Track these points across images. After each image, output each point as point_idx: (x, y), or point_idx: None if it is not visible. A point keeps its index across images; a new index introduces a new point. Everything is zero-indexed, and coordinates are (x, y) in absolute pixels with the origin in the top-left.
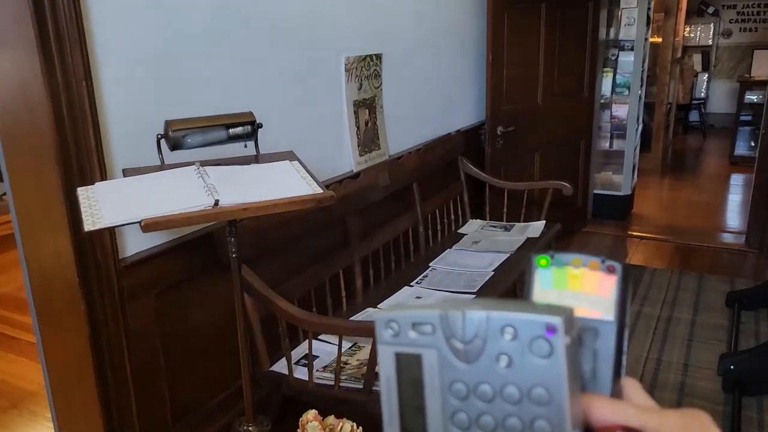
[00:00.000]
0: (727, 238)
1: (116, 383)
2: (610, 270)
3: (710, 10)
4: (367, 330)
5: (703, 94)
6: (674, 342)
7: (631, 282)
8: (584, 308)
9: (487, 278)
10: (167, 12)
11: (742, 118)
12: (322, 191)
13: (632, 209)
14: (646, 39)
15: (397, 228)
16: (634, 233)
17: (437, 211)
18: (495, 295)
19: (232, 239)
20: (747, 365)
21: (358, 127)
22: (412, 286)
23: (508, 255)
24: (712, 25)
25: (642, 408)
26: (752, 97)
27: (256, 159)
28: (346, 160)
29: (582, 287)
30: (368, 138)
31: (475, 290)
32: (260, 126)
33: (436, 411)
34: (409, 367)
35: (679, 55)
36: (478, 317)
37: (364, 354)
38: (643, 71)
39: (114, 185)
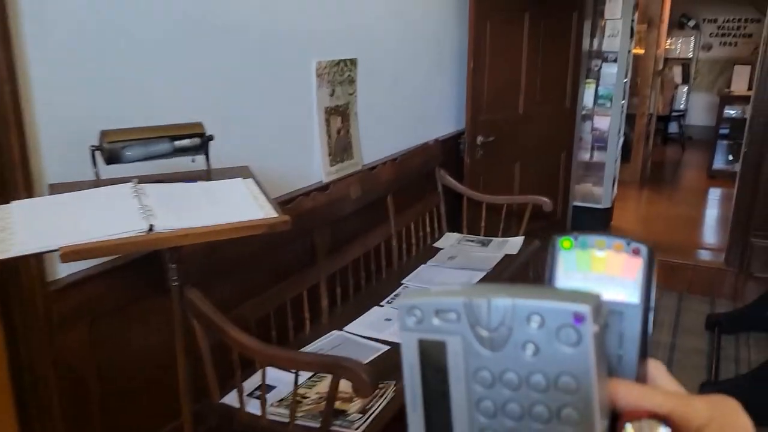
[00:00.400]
0: (707, 255)
1: (42, 422)
2: (636, 252)
3: (691, 23)
4: (325, 365)
5: (682, 106)
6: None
7: (655, 264)
8: (609, 291)
9: None
10: (109, 7)
11: (721, 131)
12: (276, 215)
13: (611, 222)
14: (629, 51)
15: (369, 243)
16: None
17: (412, 224)
18: None
19: (173, 266)
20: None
21: (329, 136)
22: (382, 306)
23: (485, 273)
24: (692, 38)
25: (669, 394)
26: (731, 111)
27: (207, 175)
28: (316, 170)
29: (607, 270)
30: (340, 147)
31: None
32: (211, 138)
33: (461, 398)
34: (434, 354)
35: (660, 66)
36: (504, 305)
37: (324, 386)
38: (625, 83)
39: (35, 204)
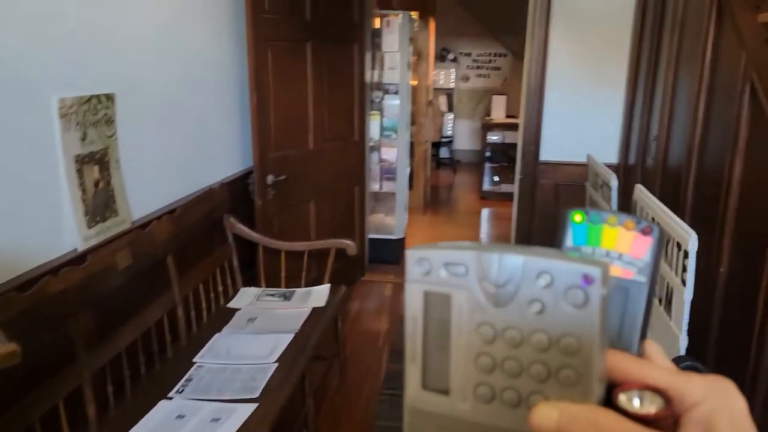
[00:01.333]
0: None
1: None
2: (646, 232)
3: (451, 56)
4: None
5: (449, 132)
6: None
7: (664, 246)
8: (617, 267)
9: (271, 373)
10: None
11: (486, 155)
12: None
13: (404, 250)
14: (408, 82)
15: (147, 319)
16: None
17: (201, 286)
18: (281, 401)
19: None
20: None
21: (83, 191)
22: (170, 398)
23: (293, 335)
24: (453, 70)
25: (667, 369)
26: (493, 137)
27: None
28: (68, 236)
29: (616, 246)
30: (100, 203)
31: (256, 395)
32: None
33: (461, 352)
34: (438, 307)
35: (431, 96)
36: (515, 261)
37: None
38: (409, 114)
39: None
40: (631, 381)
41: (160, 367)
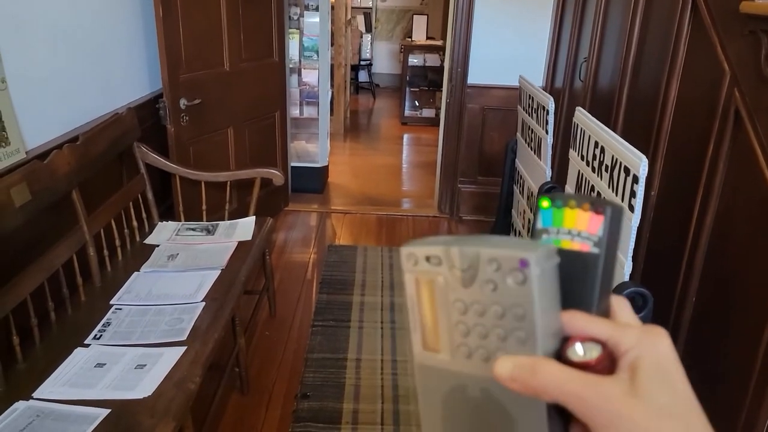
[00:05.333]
0: (420, 204)
1: None
2: (599, 211)
3: None
4: None
5: (368, 54)
6: (404, 335)
7: (620, 220)
8: (577, 242)
9: (199, 312)
10: None
11: (407, 79)
12: None
13: (329, 179)
14: None
15: (54, 260)
16: (338, 208)
17: (113, 222)
18: (212, 342)
19: None
20: None
21: None
22: (87, 345)
23: (220, 271)
24: None
25: (608, 322)
26: (414, 60)
27: None
28: None
29: (576, 225)
30: None
31: (184, 337)
32: None
33: (444, 321)
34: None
35: (349, 16)
36: (472, 252)
37: None
38: (329, 33)
39: None
40: (580, 335)
41: (73, 312)
